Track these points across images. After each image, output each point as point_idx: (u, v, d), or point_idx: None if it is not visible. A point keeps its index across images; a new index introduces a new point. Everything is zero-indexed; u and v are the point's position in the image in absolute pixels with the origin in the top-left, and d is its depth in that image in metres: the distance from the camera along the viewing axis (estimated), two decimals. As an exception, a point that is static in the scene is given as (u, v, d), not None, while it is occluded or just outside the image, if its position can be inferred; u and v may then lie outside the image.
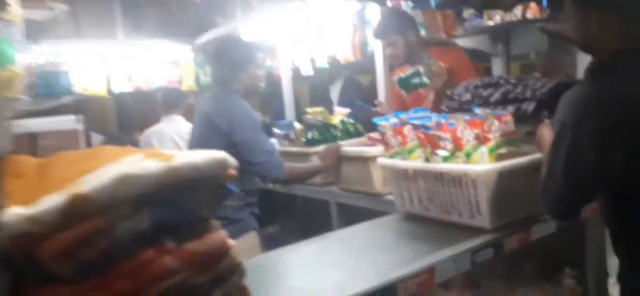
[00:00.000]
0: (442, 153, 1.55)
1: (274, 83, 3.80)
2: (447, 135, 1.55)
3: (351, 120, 2.62)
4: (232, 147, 2.05)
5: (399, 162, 1.70)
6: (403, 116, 1.75)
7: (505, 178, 1.44)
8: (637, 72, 1.10)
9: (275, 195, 2.85)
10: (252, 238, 2.14)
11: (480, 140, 1.51)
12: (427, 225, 1.64)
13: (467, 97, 1.76)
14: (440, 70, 2.15)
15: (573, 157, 1.11)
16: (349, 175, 2.24)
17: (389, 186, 1.88)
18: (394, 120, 1.77)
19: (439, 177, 1.56)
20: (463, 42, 2.06)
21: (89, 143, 3.39)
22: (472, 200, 1.48)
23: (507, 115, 1.53)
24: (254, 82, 2.25)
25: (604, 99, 1.09)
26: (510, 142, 1.51)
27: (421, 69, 2.17)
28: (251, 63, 2.23)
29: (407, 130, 1.70)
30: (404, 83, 2.26)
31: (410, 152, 1.69)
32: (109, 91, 3.85)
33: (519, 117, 1.62)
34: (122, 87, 3.85)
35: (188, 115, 3.26)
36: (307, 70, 3.48)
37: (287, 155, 2.67)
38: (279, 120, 3.11)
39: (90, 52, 3.72)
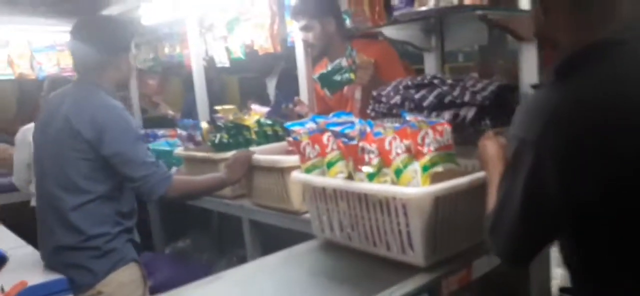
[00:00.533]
0: (366, 169, 1.24)
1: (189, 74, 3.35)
2: (373, 147, 1.25)
3: (269, 122, 2.26)
4: (100, 160, 1.65)
5: (314, 179, 1.38)
6: (321, 120, 1.42)
7: (442, 204, 1.16)
8: (617, 68, 0.83)
9: (188, 205, 2.45)
10: (130, 272, 1.73)
11: (413, 154, 1.22)
12: (349, 259, 1.34)
13: (397, 99, 1.47)
14: (366, 63, 1.85)
15: (535, 184, 0.84)
16: (263, 187, 1.88)
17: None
18: (310, 125, 1.44)
19: (363, 199, 1.26)
20: (391, 34, 1.78)
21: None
22: (402, 229, 1.19)
23: (443, 123, 1.25)
24: (125, 74, 1.82)
25: (575, 108, 0.81)
26: (448, 158, 1.23)
27: (344, 62, 1.86)
28: (125, 51, 1.80)
29: (326, 138, 1.38)
30: (325, 80, 1.94)
31: (329, 165, 1.37)
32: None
33: (456, 126, 1.35)
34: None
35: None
36: (222, 61, 3.07)
37: (191, 161, 2.27)
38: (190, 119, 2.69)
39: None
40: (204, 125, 2.24)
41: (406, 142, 1.23)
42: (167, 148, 2.54)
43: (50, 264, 1.72)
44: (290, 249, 1.48)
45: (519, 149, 0.86)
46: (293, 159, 1.60)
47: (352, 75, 1.88)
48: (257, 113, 2.37)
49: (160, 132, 3.26)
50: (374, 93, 1.51)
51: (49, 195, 1.69)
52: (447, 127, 1.25)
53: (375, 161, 1.24)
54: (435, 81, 1.48)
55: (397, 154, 1.22)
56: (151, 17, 2.95)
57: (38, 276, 1.63)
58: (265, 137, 2.21)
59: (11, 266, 1.78)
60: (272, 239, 2.29)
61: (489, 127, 1.34)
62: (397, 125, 1.26)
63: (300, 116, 2.16)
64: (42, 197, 1.75)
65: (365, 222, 1.28)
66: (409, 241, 1.19)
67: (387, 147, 1.23)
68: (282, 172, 1.75)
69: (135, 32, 1.86)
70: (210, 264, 2.81)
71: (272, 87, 4.11)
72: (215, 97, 3.76)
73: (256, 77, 4.35)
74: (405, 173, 1.22)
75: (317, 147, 1.41)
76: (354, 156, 1.25)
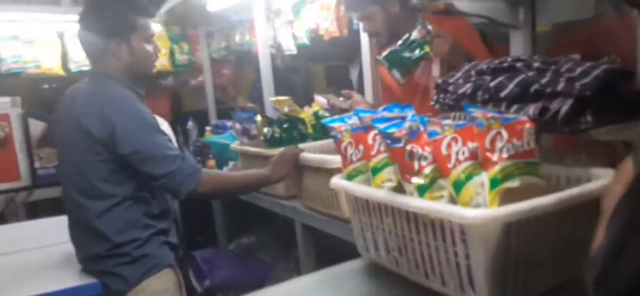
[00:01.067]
0: (416, 180, 0.96)
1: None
2: (426, 151, 0.96)
3: (327, 115, 2.02)
4: (118, 160, 1.51)
5: (355, 187, 1.12)
6: (366, 115, 1.15)
7: (516, 232, 0.85)
8: None
9: (253, 200, 2.29)
10: (165, 278, 1.60)
11: (479, 162, 0.92)
12: (397, 289, 1.07)
13: (467, 88, 1.16)
14: (443, 33, 1.51)
15: None
16: (312, 190, 1.66)
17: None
18: (354, 120, 1.18)
19: (412, 218, 0.98)
20: (466, 8, 1.44)
21: (26, 129, 2.92)
22: (461, 262, 0.90)
23: (524, 120, 0.93)
24: (139, 60, 1.61)
25: None
26: (528, 168, 0.91)
27: (415, 34, 1.53)
28: (131, 31, 1.58)
29: (371, 137, 1.11)
30: (393, 59, 1.58)
31: (375, 171, 1.10)
32: (66, 69, 3.32)
33: (544, 124, 1.01)
34: (80, 64, 3.30)
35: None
36: (289, 48, 2.89)
37: (246, 156, 2.11)
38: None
39: (40, 21, 3.20)
40: (258, 118, 2.07)
41: (471, 145, 0.93)
42: (226, 142, 2.40)
43: (85, 268, 1.64)
44: (330, 269, 1.24)
45: None
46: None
47: (426, 48, 1.54)
48: (317, 104, 2.15)
49: (229, 123, 3.17)
50: (439, 80, 1.21)
51: (73, 202, 1.59)
52: (529, 126, 0.92)
53: (428, 170, 0.96)
54: (518, 64, 1.14)
55: (458, 162, 0.93)
56: (217, 3, 2.84)
57: (73, 279, 1.56)
58: (322, 131, 1.98)
59: (51, 264, 1.74)
60: (327, 246, 2.07)
61: (590, 125, 0.98)
62: (460, 123, 0.96)
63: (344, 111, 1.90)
64: (67, 204, 1.66)
65: (414, 246, 1.01)
66: (469, 278, 0.89)
67: (444, 151, 0.94)
68: (332, 174, 1.50)
69: (141, 8, 1.63)
70: (273, 264, 2.66)
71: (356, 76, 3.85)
72: (300, 87, 3.59)
73: (342, 65, 4.09)
74: (468, 187, 0.92)
75: (361, 147, 1.15)
76: (400, 162, 0.98)
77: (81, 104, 1.54)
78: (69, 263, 1.66)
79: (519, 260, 0.88)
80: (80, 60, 3.24)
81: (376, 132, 1.09)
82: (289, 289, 1.19)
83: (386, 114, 1.15)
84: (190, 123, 3.27)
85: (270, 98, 2.14)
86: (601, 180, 0.92)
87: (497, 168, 0.89)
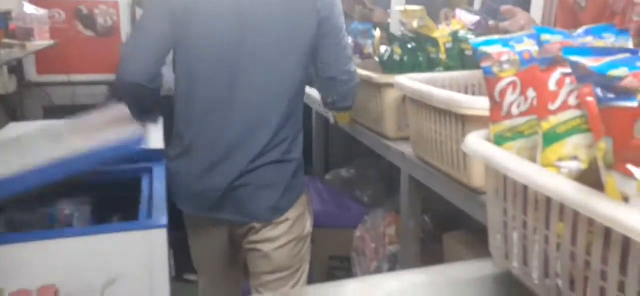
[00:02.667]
0: (645, 175, 0.49)
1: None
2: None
3: (470, 36, 1.50)
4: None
5: (509, 159, 0.66)
6: (554, 37, 0.66)
7: None
8: None
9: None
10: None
11: None
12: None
13: None
14: None
15: None
16: (431, 139, 1.21)
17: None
18: (525, 44, 0.70)
19: (618, 242, 0.52)
20: None
21: (134, 18, 2.78)
22: None
23: None
24: None
25: None
26: None
27: None
28: None
29: (556, 78, 0.63)
30: None
31: (551, 138, 0.63)
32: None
33: None
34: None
35: None
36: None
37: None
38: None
39: None
40: (377, 32, 1.62)
41: None
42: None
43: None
44: (442, 269, 0.83)
45: None
46: (485, 103, 0.87)
47: None
48: (459, 22, 1.63)
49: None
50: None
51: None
52: None
53: (679, 160, 0.48)
54: None
55: None
56: None
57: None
58: (460, 59, 1.49)
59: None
60: (439, 207, 1.64)
61: None
62: None
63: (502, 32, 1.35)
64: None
65: (609, 287, 0.55)
66: None
67: None
68: (463, 121, 1.05)
69: None
70: (370, 206, 2.30)
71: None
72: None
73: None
74: None
75: (531, 94, 0.68)
76: (622, 137, 0.50)
77: None
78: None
79: None
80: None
81: (568, 71, 0.61)
82: (387, 289, 0.80)
83: (592, 41, 0.65)
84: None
85: (397, 7, 1.67)
86: None
87: None
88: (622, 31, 0.69)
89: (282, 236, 1.39)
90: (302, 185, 1.44)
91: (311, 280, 2.42)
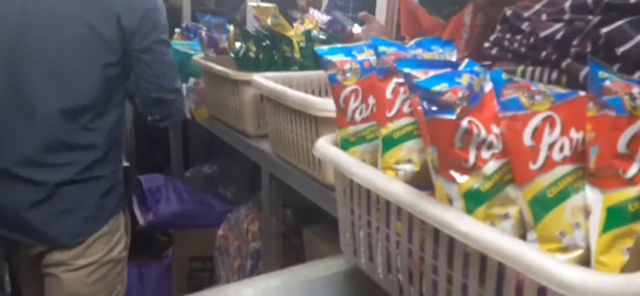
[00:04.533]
0: (466, 181, 0.54)
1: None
2: (494, 135, 0.54)
3: (323, 36, 1.55)
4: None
5: (352, 165, 0.69)
6: (389, 49, 0.70)
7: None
8: None
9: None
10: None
11: (592, 171, 0.50)
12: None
13: (556, 29, 0.71)
14: None
15: None
16: (287, 137, 1.23)
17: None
18: (365, 54, 0.73)
19: (445, 240, 0.57)
20: None
21: None
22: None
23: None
24: None
25: None
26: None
27: None
28: None
29: (392, 88, 0.68)
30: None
31: (389, 143, 0.68)
32: None
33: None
34: None
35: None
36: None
37: (209, 75, 1.64)
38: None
39: None
40: (231, 27, 1.58)
41: (577, 135, 0.52)
42: (189, 52, 1.91)
43: None
44: (298, 270, 0.84)
45: None
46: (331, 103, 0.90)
47: None
48: (311, 20, 1.67)
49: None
50: (508, 11, 0.75)
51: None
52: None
53: (491, 166, 0.54)
54: None
55: (551, 162, 0.52)
56: None
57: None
58: (314, 59, 1.53)
59: None
60: (299, 204, 1.68)
61: None
62: (559, 91, 0.53)
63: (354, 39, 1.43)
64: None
65: (438, 279, 0.60)
66: None
67: (528, 139, 0.52)
68: (316, 122, 1.08)
69: None
70: (233, 202, 2.27)
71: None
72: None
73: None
74: (559, 211, 0.51)
75: (371, 101, 0.72)
76: (444, 145, 0.55)
77: None
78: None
79: None
80: None
81: (402, 81, 0.66)
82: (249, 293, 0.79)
83: (421, 54, 0.71)
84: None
85: (250, 2, 1.65)
86: None
87: (631, 191, 0.47)
88: (448, 42, 0.76)
89: (78, 260, 1.27)
90: (114, 206, 1.33)
91: (172, 284, 2.32)
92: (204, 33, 1.62)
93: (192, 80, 1.77)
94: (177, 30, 2.65)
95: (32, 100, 1.18)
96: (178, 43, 2.20)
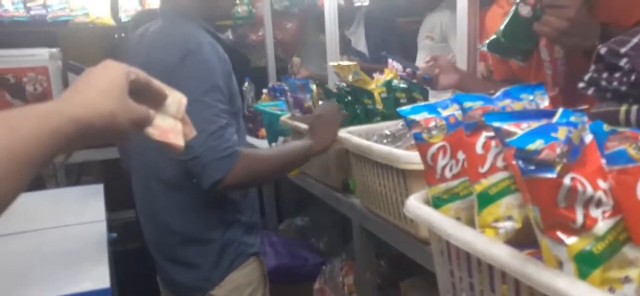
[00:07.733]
0: (576, 243, 0.50)
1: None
2: (602, 191, 0.50)
3: (403, 85, 1.54)
4: None
5: (448, 226, 0.67)
6: (475, 104, 0.68)
7: None
8: None
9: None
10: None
11: None
12: None
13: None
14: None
15: None
16: (376, 189, 1.23)
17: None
18: (450, 110, 0.72)
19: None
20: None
21: (66, 84, 2.68)
22: None
23: None
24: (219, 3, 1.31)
25: None
26: None
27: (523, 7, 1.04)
28: None
29: (482, 142, 0.65)
30: (500, 46, 1.10)
31: (485, 200, 0.65)
32: (116, 19, 3.03)
33: None
34: (131, 14, 2.99)
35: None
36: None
37: (296, 134, 1.70)
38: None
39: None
40: (314, 87, 1.64)
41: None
42: (277, 113, 1.99)
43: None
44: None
45: None
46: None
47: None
48: (390, 71, 1.68)
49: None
50: (602, 49, 0.70)
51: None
52: None
53: (604, 225, 0.50)
54: None
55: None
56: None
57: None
58: (395, 107, 1.52)
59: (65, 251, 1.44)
60: (396, 253, 1.64)
61: None
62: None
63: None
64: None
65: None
66: None
67: (643, 194, 0.47)
68: (404, 176, 1.06)
69: None
70: (326, 254, 2.28)
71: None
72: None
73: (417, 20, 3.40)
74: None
75: (461, 157, 0.70)
76: (547, 205, 0.51)
77: (148, 47, 1.25)
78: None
79: None
80: (130, 9, 2.95)
81: (492, 135, 0.63)
82: None
83: (511, 104, 0.68)
84: (246, 84, 2.89)
85: (331, 62, 1.70)
86: None
87: None
88: (537, 86, 0.72)
89: None
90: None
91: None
92: (289, 94, 1.69)
93: (280, 139, 1.84)
94: (264, 90, 2.79)
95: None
96: (266, 105, 2.31)
